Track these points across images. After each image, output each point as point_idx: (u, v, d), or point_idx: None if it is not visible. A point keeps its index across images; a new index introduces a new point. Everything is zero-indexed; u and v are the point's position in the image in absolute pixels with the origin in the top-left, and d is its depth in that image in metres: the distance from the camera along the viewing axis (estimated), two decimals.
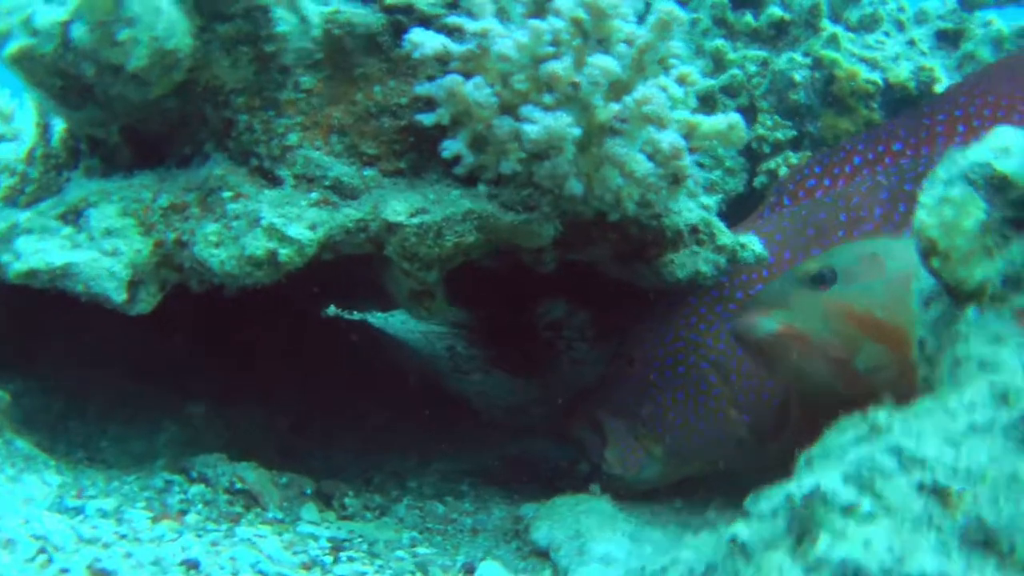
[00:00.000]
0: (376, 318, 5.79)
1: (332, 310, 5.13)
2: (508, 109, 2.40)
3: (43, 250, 2.35)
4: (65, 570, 1.62)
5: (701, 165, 3.84)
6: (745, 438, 3.20)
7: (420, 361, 5.69)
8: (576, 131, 2.31)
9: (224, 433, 3.54)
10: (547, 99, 2.36)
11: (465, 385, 5.35)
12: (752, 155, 4.07)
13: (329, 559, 2.18)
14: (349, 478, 3.27)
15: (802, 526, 1.82)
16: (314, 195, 2.46)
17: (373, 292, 3.92)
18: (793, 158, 4.00)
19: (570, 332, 4.73)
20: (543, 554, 2.59)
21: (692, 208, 2.80)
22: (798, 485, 1.82)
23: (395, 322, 6.20)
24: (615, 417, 3.30)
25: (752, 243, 2.85)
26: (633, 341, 3.43)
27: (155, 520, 2.00)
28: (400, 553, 2.47)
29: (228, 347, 3.95)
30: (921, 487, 1.83)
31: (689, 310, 3.33)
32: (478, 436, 4.22)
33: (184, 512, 2.24)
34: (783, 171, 3.93)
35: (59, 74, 2.36)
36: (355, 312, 5.37)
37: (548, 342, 4.79)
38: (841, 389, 2.54)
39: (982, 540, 1.77)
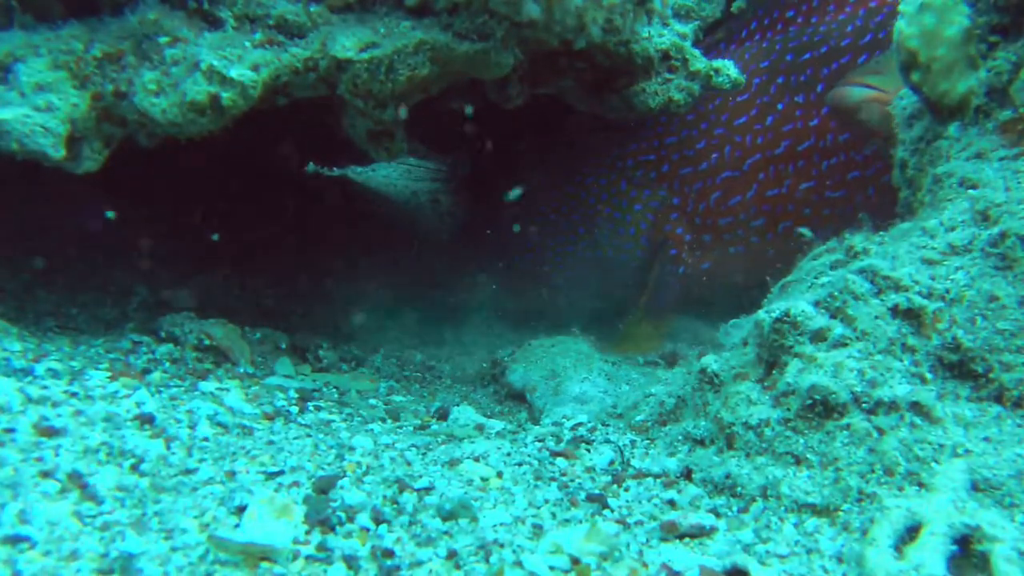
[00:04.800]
0: (355, 172, 5.68)
1: (312, 168, 5.02)
2: None
3: None
4: (10, 429, 1.59)
5: None
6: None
7: (403, 213, 5.62)
8: None
9: (199, 295, 3.51)
10: None
11: (447, 235, 5.29)
12: None
13: (295, 409, 2.16)
14: (328, 331, 3.25)
15: (772, 354, 1.77)
16: (257, 35, 2.30)
17: (349, 145, 3.81)
18: None
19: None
20: (519, 396, 2.59)
21: (663, 33, 2.64)
22: (767, 311, 1.77)
23: (377, 176, 6.09)
24: None
25: (727, 68, 2.70)
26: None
27: (112, 378, 1.96)
28: (373, 401, 2.46)
29: (204, 211, 3.87)
30: (895, 310, 1.78)
31: (561, 162, 3.63)
32: (462, 283, 4.18)
33: (148, 371, 2.21)
34: None
35: None
36: (335, 168, 5.25)
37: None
38: None
39: (958, 363, 1.74)
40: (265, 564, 1.35)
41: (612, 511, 1.60)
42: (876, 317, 1.71)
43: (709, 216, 3.38)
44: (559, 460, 1.84)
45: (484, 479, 1.72)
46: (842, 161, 3.16)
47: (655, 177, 3.46)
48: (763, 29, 3.39)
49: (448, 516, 1.54)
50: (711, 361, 1.87)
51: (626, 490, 1.70)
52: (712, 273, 3.41)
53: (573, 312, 3.55)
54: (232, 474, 1.63)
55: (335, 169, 5.25)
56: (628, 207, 3.49)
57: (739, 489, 1.63)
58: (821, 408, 1.61)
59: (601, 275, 3.57)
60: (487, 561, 1.41)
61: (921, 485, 1.50)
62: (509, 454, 1.85)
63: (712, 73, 2.69)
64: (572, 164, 3.62)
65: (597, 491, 1.68)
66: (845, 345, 1.69)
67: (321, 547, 1.42)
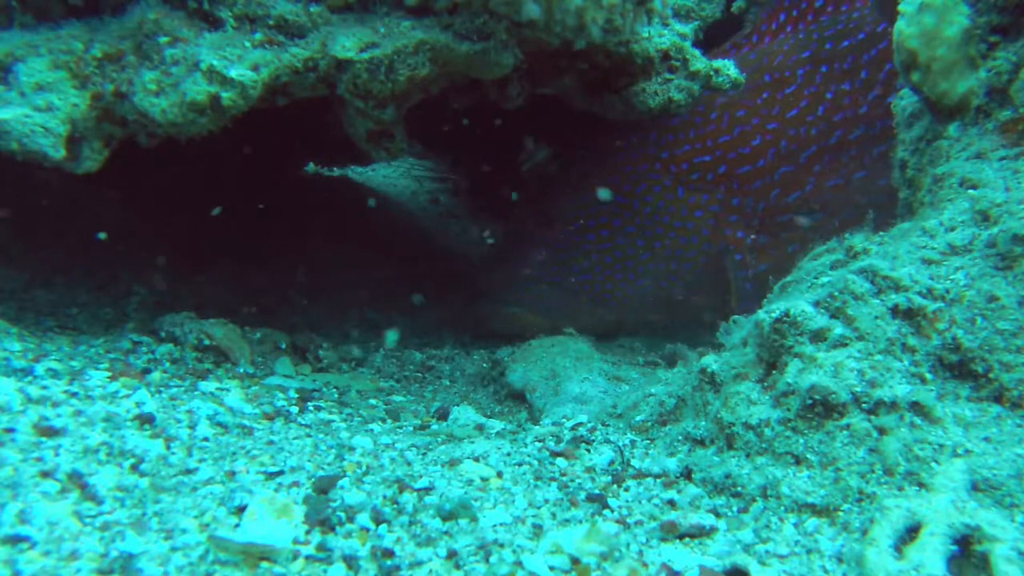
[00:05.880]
0: (355, 172, 5.68)
1: (311, 168, 5.02)
2: None
3: None
4: (10, 429, 1.59)
5: None
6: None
7: (402, 213, 5.62)
8: None
9: (199, 294, 3.51)
10: None
11: (448, 235, 5.30)
12: None
13: (295, 409, 2.16)
14: (328, 332, 3.25)
15: (772, 354, 1.77)
16: (257, 35, 2.30)
17: (349, 145, 3.82)
18: None
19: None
20: (519, 396, 2.59)
21: (664, 33, 2.64)
22: (767, 311, 1.77)
23: (376, 176, 6.09)
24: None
25: (727, 68, 2.70)
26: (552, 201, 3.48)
27: (112, 378, 1.96)
28: (373, 401, 2.46)
29: (205, 210, 3.87)
30: (895, 310, 1.78)
31: (612, 169, 3.39)
32: (459, 283, 4.19)
33: (148, 371, 2.21)
34: None
35: None
36: (335, 169, 5.26)
37: (530, 187, 4.67)
38: None
39: (957, 363, 1.74)
40: (265, 564, 1.35)
41: (612, 511, 1.60)
42: (876, 317, 1.71)
43: (768, 215, 3.28)
44: (559, 460, 1.84)
45: (484, 479, 1.72)
46: (892, 147, 3.13)
47: (712, 179, 3.32)
48: (793, 21, 3.34)
49: (448, 516, 1.54)
50: (711, 361, 1.87)
51: (626, 490, 1.70)
52: (769, 275, 3.29)
53: (638, 330, 3.43)
54: (232, 474, 1.63)
55: (335, 169, 5.26)
56: (689, 214, 3.33)
57: (739, 489, 1.63)
58: (821, 408, 1.61)
59: (666, 288, 3.38)
60: (487, 561, 1.41)
61: (921, 485, 1.50)
62: (509, 454, 1.85)
63: (712, 73, 2.70)
64: (614, 172, 3.43)
65: (597, 491, 1.68)
66: (845, 345, 1.69)
67: (321, 547, 1.42)
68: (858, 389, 1.62)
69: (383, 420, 2.23)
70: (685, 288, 3.37)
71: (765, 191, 3.28)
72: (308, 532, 1.46)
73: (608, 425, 2.05)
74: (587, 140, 3.47)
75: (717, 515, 1.57)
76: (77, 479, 1.51)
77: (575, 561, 1.41)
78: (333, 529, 1.47)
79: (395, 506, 1.57)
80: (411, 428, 2.16)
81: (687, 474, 1.75)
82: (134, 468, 1.59)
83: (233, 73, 2.17)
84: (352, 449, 1.85)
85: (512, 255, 3.52)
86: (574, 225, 3.39)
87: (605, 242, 3.36)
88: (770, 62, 3.26)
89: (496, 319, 3.38)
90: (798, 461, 1.60)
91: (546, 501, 1.63)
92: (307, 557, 1.39)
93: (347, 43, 2.25)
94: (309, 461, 1.73)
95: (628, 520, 1.57)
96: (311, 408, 2.21)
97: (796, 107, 3.21)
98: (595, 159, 3.44)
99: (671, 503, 1.64)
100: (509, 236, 3.65)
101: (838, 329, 1.71)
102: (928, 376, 1.68)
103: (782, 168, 3.26)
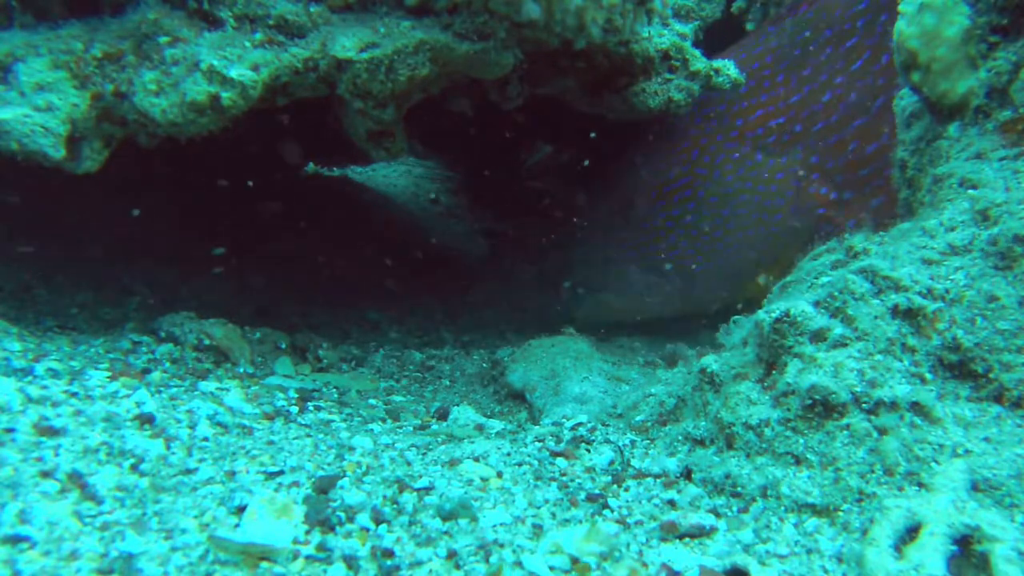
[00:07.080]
0: (355, 172, 5.68)
1: (311, 168, 5.02)
2: None
3: None
4: (10, 429, 1.59)
5: None
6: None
7: (402, 213, 5.62)
8: None
9: (197, 293, 3.51)
10: None
11: (448, 236, 5.30)
12: None
13: (295, 409, 2.16)
14: (327, 332, 3.25)
15: (772, 354, 1.77)
16: (258, 35, 2.30)
17: (349, 145, 3.81)
18: None
19: (556, 175, 4.58)
20: (519, 396, 2.58)
21: (664, 34, 2.65)
22: (767, 311, 1.77)
23: (376, 176, 6.09)
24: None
25: (727, 68, 2.70)
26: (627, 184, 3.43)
27: (112, 378, 1.96)
28: (373, 401, 2.46)
29: (200, 210, 3.87)
30: (895, 310, 1.78)
31: (688, 144, 3.33)
32: (459, 284, 4.19)
33: (148, 371, 2.21)
34: None
35: None
36: (335, 168, 5.26)
37: (532, 187, 4.64)
38: None
39: (957, 363, 1.74)
40: (265, 564, 1.35)
41: (612, 511, 1.60)
42: (876, 317, 1.71)
43: (849, 170, 3.24)
44: (559, 460, 1.84)
45: (484, 479, 1.72)
46: None
47: (788, 140, 3.29)
48: None
49: (448, 516, 1.54)
50: (711, 361, 1.87)
51: (626, 490, 1.70)
52: (857, 231, 3.20)
53: (727, 304, 3.32)
54: (232, 474, 1.63)
55: (335, 169, 5.26)
56: (771, 178, 3.29)
57: (739, 489, 1.63)
58: (821, 408, 1.61)
59: (754, 257, 3.33)
60: (487, 561, 1.41)
61: (921, 485, 1.50)
62: (509, 454, 1.85)
63: (712, 73, 2.70)
64: (691, 148, 3.36)
65: (597, 491, 1.68)
66: (845, 345, 1.69)
67: (321, 547, 1.42)
68: (858, 389, 1.62)
69: (383, 420, 2.23)
70: (773, 253, 3.31)
71: (843, 146, 3.24)
72: (308, 532, 1.46)
73: (608, 425, 2.05)
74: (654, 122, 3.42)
75: (717, 515, 1.57)
76: (77, 479, 1.51)
77: (575, 561, 1.41)
78: (333, 529, 1.47)
79: (395, 506, 1.57)
80: (411, 428, 2.16)
81: (687, 474, 1.75)
82: (134, 468, 1.59)
83: (233, 73, 2.17)
84: (352, 449, 1.85)
85: (594, 243, 3.47)
86: (656, 204, 3.35)
87: (688, 215, 3.33)
88: (829, 16, 3.22)
89: (584, 308, 3.34)
90: (798, 461, 1.60)
91: (546, 501, 1.63)
92: (307, 557, 1.39)
93: (347, 43, 2.25)
94: (309, 461, 1.73)
95: (628, 520, 1.57)
96: (311, 408, 2.21)
97: (860, 59, 3.17)
98: (668, 138, 3.39)
99: (671, 503, 1.64)
100: (588, 226, 3.58)
101: (838, 329, 1.71)
102: (928, 376, 1.68)
103: (856, 121, 3.21)
